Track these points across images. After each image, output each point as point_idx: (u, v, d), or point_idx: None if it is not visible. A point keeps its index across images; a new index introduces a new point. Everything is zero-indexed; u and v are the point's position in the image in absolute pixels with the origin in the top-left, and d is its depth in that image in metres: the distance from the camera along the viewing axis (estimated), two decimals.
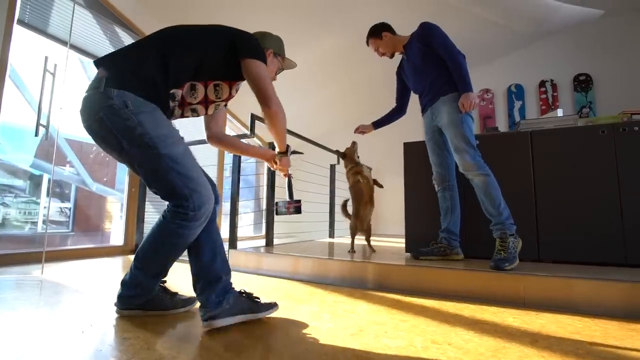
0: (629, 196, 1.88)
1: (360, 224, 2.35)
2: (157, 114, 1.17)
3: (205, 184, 1.21)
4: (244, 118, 4.60)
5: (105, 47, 3.09)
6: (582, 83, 4.03)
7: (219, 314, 1.15)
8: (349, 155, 2.55)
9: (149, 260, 1.23)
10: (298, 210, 1.66)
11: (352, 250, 2.38)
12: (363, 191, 2.37)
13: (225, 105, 1.47)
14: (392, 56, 2.21)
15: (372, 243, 2.43)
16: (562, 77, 4.15)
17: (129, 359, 0.90)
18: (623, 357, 0.97)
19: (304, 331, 1.15)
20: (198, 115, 1.35)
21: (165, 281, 1.38)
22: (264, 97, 1.25)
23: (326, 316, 1.32)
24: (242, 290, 1.28)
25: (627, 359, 0.96)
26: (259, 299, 1.29)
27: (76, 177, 5.95)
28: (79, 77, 4.03)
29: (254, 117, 2.36)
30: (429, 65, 2.01)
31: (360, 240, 2.46)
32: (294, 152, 1.61)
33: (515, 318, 1.33)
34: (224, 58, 1.25)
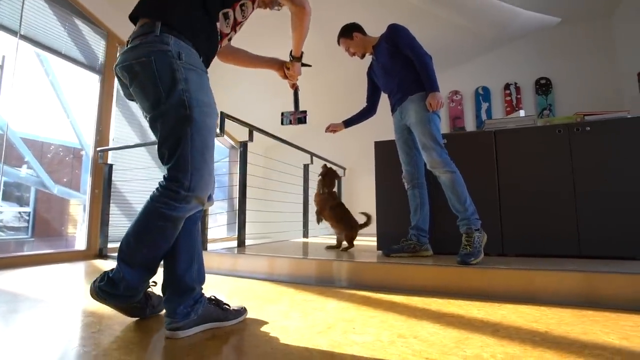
0: (583, 192, 1.99)
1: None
2: (205, 79, 1.14)
3: (211, 170, 1.13)
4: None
5: (63, 40, 2.91)
6: (543, 86, 4.25)
7: (185, 325, 1.08)
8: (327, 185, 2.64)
9: (133, 250, 1.08)
10: (302, 121, 1.64)
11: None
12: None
13: None
14: (362, 56, 2.24)
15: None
16: (525, 80, 4.36)
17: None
18: (574, 340, 1.02)
19: (272, 331, 1.14)
20: (230, 40, 1.31)
21: (155, 283, 1.23)
22: None
23: (295, 315, 1.31)
24: (212, 297, 1.22)
25: (577, 342, 1.01)
26: (228, 305, 1.23)
27: (35, 179, 5.62)
28: (34, 71, 3.82)
29: (223, 116, 2.31)
30: (397, 66, 2.05)
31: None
32: (305, 65, 1.57)
33: (480, 310, 1.38)
34: None
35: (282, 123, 1.72)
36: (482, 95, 4.50)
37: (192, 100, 1.06)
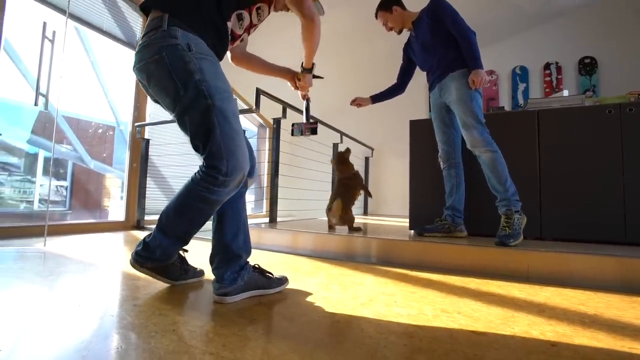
0: (633, 176, 1.89)
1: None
2: (218, 66, 1.15)
3: (244, 151, 1.14)
4: (246, 95, 4.53)
5: (104, 16, 2.98)
6: (587, 66, 3.99)
7: (232, 291, 1.14)
8: (344, 163, 2.40)
9: (172, 223, 1.15)
10: (314, 131, 1.69)
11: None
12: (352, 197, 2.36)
13: None
14: (400, 32, 2.16)
15: (369, 221, 2.46)
16: (567, 59, 4.10)
17: (141, 324, 0.91)
18: (626, 324, 1.00)
19: (315, 301, 1.17)
20: (242, 42, 1.34)
21: (186, 251, 1.33)
22: (304, 7, 1.23)
23: (335, 287, 1.34)
24: (256, 265, 1.27)
25: (630, 326, 0.99)
26: (271, 274, 1.28)
27: (73, 154, 5.87)
28: (76, 46, 3.92)
29: (259, 92, 2.31)
30: (437, 42, 1.98)
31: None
32: (315, 76, 1.57)
33: (521, 291, 1.36)
34: None
35: (292, 134, 1.74)
36: (520, 75, 4.28)
37: (211, 89, 1.07)
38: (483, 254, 1.68)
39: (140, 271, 1.20)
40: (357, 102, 2.31)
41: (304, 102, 1.63)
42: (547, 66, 4.18)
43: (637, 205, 1.87)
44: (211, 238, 1.22)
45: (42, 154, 5.27)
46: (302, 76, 1.47)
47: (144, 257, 1.18)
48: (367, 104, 2.31)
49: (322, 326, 0.94)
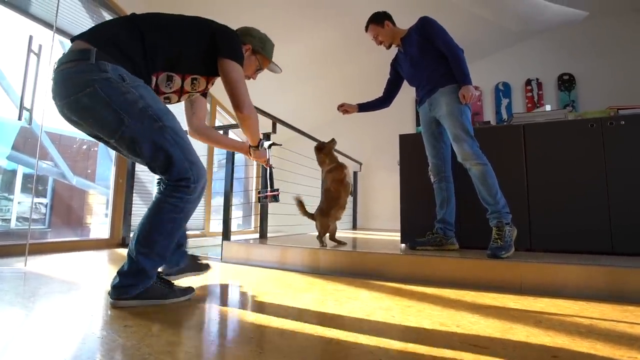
0: (616, 187, 1.95)
1: (333, 222, 2.27)
2: (151, 89, 1.18)
3: (200, 159, 1.24)
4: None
5: None
6: (566, 82, 4.16)
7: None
8: (328, 150, 2.34)
9: (153, 242, 1.17)
10: (276, 199, 1.75)
11: (324, 244, 2.22)
12: (342, 195, 2.23)
13: (205, 96, 1.52)
14: (389, 47, 2.21)
15: (358, 236, 2.43)
16: (547, 76, 4.28)
17: (134, 346, 0.86)
18: (622, 333, 1.01)
19: (311, 317, 1.14)
20: (170, 103, 1.36)
21: (186, 250, 1.46)
22: (237, 101, 1.29)
23: (330, 303, 1.32)
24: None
25: (626, 335, 0.99)
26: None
27: (55, 170, 5.71)
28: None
29: None
30: (427, 58, 2.03)
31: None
32: (274, 144, 1.72)
33: (515, 302, 1.36)
34: (206, 54, 1.27)
35: (258, 201, 1.86)
36: (503, 91, 4.43)
37: (157, 112, 1.13)
38: (476, 266, 1.68)
39: (125, 305, 1.17)
40: (344, 108, 2.30)
41: (267, 170, 1.73)
42: (528, 82, 4.34)
43: (621, 216, 1.92)
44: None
45: (20, 171, 5.10)
46: (252, 152, 1.59)
47: (126, 287, 1.17)
48: (353, 111, 2.31)
49: (321, 343, 0.91)
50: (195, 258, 1.57)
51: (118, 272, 1.20)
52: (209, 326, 1.04)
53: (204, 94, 1.51)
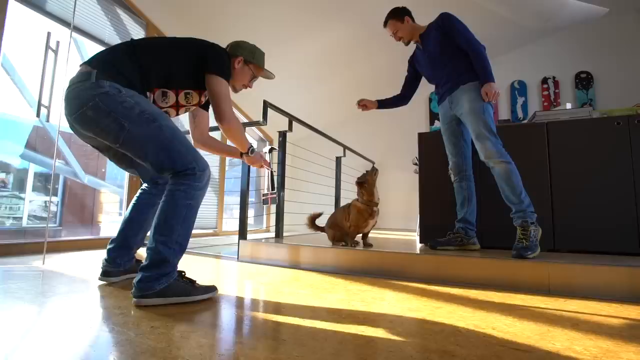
0: None
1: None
2: (146, 98, 1.31)
3: (199, 153, 1.33)
4: (246, 109, 4.53)
5: (106, 28, 2.96)
6: (583, 81, 4.08)
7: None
8: (369, 186, 2.23)
9: (170, 229, 1.23)
10: (274, 201, 1.86)
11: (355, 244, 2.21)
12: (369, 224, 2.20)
13: (207, 108, 1.63)
14: (407, 43, 2.18)
15: (375, 235, 2.39)
16: (564, 74, 4.20)
17: (164, 349, 0.85)
18: None
19: (341, 318, 1.11)
20: (170, 117, 1.48)
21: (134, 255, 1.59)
22: (220, 114, 1.39)
23: (357, 304, 1.29)
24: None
25: None
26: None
27: (66, 168, 5.76)
28: (74, 58, 3.88)
29: (266, 104, 2.30)
30: (447, 55, 1.99)
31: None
32: (273, 149, 1.88)
33: (546, 304, 1.32)
34: (194, 70, 1.38)
35: (263, 203, 1.93)
36: (518, 89, 4.36)
37: (153, 114, 1.24)
38: (502, 266, 1.64)
39: (149, 303, 1.18)
40: (363, 103, 2.26)
41: (269, 173, 1.80)
42: (544, 80, 4.26)
43: None
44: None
45: (32, 169, 5.14)
46: (244, 157, 1.66)
47: (150, 281, 1.19)
48: (373, 106, 2.28)
49: (356, 345, 0.88)
50: (139, 262, 1.55)
51: (140, 269, 1.21)
52: (238, 327, 1.02)
53: (205, 107, 1.63)
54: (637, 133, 1.94)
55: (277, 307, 1.24)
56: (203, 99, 1.48)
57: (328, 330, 0.99)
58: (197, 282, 1.32)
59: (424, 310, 1.21)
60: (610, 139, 1.99)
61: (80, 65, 1.29)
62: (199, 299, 1.27)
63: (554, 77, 4.23)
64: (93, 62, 1.26)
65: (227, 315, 1.13)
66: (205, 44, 1.43)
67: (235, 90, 1.60)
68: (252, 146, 1.62)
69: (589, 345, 0.90)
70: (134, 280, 1.20)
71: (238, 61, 1.54)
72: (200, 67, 1.38)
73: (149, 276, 1.19)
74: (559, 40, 4.24)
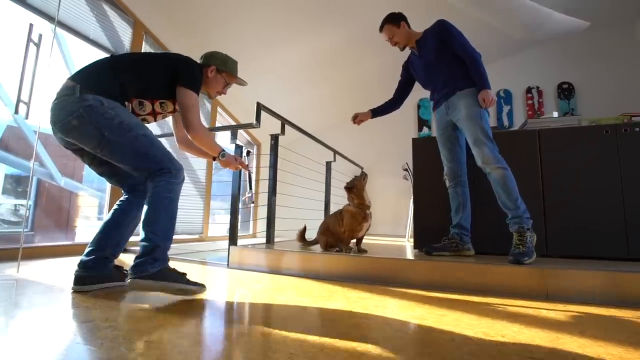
0: (631, 193, 1.94)
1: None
2: (127, 110, 1.45)
3: (173, 156, 1.48)
4: (234, 111, 4.44)
5: (92, 25, 2.83)
6: (565, 91, 4.22)
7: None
8: (358, 190, 2.22)
9: (156, 219, 1.37)
10: (251, 200, 1.89)
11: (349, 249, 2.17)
12: (357, 229, 2.18)
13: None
14: (403, 48, 2.18)
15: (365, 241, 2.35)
16: (547, 84, 4.34)
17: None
18: None
19: (348, 328, 1.07)
20: (148, 123, 1.62)
21: (112, 262, 1.57)
22: (188, 124, 1.51)
23: (360, 313, 1.24)
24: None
25: None
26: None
27: (41, 170, 5.48)
28: (54, 54, 3.70)
29: (259, 107, 2.24)
30: (443, 61, 2.00)
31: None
32: (249, 152, 1.96)
33: (548, 310, 1.32)
34: (169, 82, 1.51)
35: (244, 204, 2.01)
36: (504, 98, 4.47)
37: (131, 125, 1.39)
38: (499, 272, 1.64)
39: (143, 285, 1.30)
40: (359, 119, 2.28)
41: (247, 174, 1.88)
42: (529, 90, 4.39)
43: (637, 221, 1.91)
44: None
45: (2, 170, 4.86)
46: (218, 161, 1.73)
47: (143, 264, 1.31)
48: (367, 118, 2.29)
49: (372, 359, 0.84)
50: (119, 268, 1.59)
51: (135, 258, 1.34)
52: (239, 341, 0.96)
53: None
54: (624, 141, 2.00)
55: (279, 318, 1.18)
56: (177, 108, 1.59)
57: (336, 344, 0.94)
58: (186, 274, 1.42)
59: (429, 318, 1.18)
60: (599, 146, 2.04)
61: (66, 80, 1.41)
62: (190, 289, 1.38)
63: (537, 87, 4.37)
64: (76, 78, 1.39)
65: (228, 328, 1.06)
66: (179, 57, 1.55)
67: (211, 97, 1.75)
68: (223, 150, 1.70)
69: (601, 352, 0.89)
70: (130, 267, 1.33)
71: (211, 70, 1.65)
72: (173, 79, 1.51)
73: (143, 261, 1.32)
74: (542, 52, 4.39)
